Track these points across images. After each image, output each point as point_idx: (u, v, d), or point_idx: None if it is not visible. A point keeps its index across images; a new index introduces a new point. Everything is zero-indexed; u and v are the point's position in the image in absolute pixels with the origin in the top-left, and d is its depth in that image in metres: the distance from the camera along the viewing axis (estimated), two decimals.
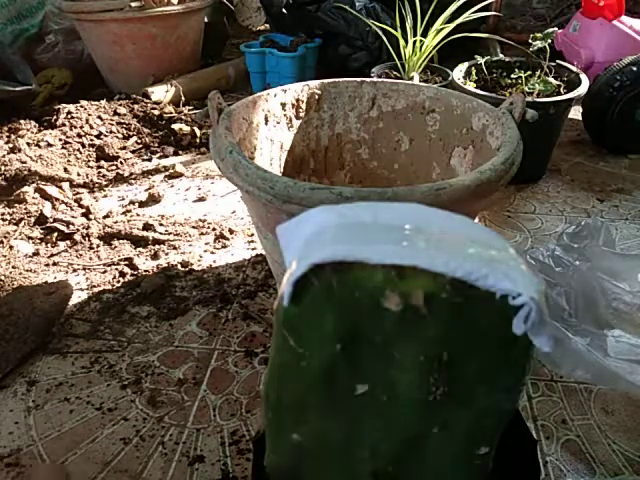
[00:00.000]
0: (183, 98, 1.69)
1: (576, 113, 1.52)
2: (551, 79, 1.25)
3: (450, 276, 0.29)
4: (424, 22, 1.43)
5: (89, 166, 1.38)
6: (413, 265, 0.29)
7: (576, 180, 1.35)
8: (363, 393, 0.34)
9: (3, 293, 0.95)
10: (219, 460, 0.70)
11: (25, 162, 1.29)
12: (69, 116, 1.50)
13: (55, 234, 1.12)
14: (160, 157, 1.45)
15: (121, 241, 1.10)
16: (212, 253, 1.08)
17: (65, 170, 1.32)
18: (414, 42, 1.42)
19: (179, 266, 1.04)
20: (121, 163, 1.40)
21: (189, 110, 1.64)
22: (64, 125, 1.47)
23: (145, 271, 1.02)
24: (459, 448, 0.37)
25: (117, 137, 1.48)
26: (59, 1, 1.73)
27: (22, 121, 1.50)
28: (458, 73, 1.33)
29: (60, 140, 1.42)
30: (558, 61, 1.37)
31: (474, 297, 0.29)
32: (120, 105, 1.61)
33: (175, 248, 1.09)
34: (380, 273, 0.29)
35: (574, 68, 1.34)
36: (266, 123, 0.92)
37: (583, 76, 1.29)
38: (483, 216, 1.20)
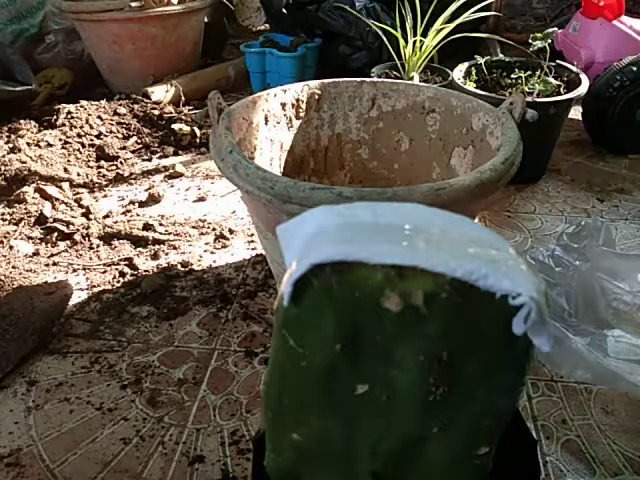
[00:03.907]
0: (183, 98, 1.69)
1: (576, 113, 1.52)
2: (551, 79, 1.25)
3: (450, 276, 0.29)
4: (424, 22, 1.43)
5: (89, 166, 1.38)
6: (413, 265, 0.29)
7: (576, 180, 1.35)
8: (363, 393, 0.34)
9: (3, 293, 0.95)
10: (219, 460, 0.70)
11: (25, 162, 1.29)
12: (69, 116, 1.50)
13: (55, 234, 1.12)
14: (160, 157, 1.45)
15: (121, 241, 1.10)
16: (212, 253, 1.08)
17: (65, 170, 1.32)
18: (414, 42, 1.42)
19: (179, 266, 1.04)
20: (121, 163, 1.40)
21: (189, 110, 1.64)
22: (64, 125, 1.47)
23: (145, 271, 1.02)
24: (459, 448, 0.37)
25: (117, 137, 1.48)
26: (59, 1, 1.73)
27: (22, 121, 1.50)
28: (458, 73, 1.33)
29: (60, 140, 1.42)
30: (558, 61, 1.37)
31: (474, 297, 0.29)
32: (120, 105, 1.61)
33: (175, 248, 1.09)
34: (380, 273, 0.29)
35: (574, 68, 1.34)
36: (266, 123, 0.92)
37: (583, 76, 1.29)
38: (483, 216, 1.20)
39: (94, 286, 0.99)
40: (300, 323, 0.32)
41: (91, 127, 1.48)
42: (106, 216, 1.19)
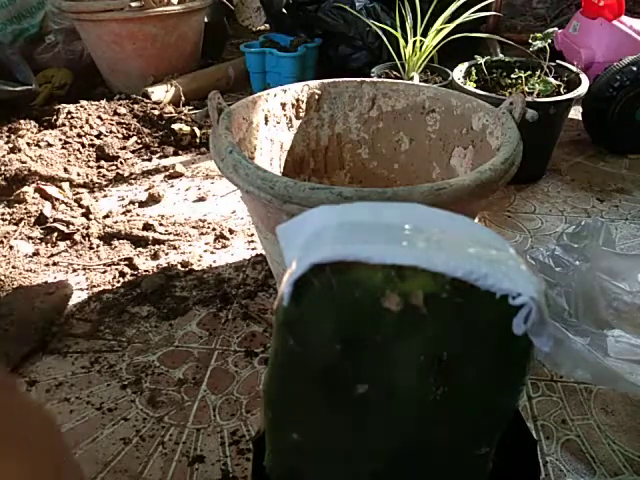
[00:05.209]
0: (183, 98, 1.69)
1: (576, 113, 1.52)
2: (551, 79, 1.25)
3: (450, 276, 0.29)
4: (424, 22, 1.43)
5: (89, 166, 1.38)
6: (413, 265, 0.29)
7: (576, 180, 1.35)
8: (363, 393, 0.34)
9: (3, 293, 0.95)
10: (219, 460, 0.70)
11: (25, 162, 1.29)
12: (69, 116, 1.50)
13: (55, 234, 1.12)
14: (160, 157, 1.45)
15: (121, 241, 1.10)
16: (212, 253, 1.08)
17: (65, 170, 1.32)
18: (414, 42, 1.42)
19: (179, 266, 1.04)
20: (121, 163, 1.40)
21: (189, 110, 1.64)
22: (64, 125, 1.47)
23: (145, 271, 1.02)
24: (459, 448, 0.37)
25: (117, 137, 1.48)
26: (59, 1, 1.73)
27: (22, 121, 1.50)
28: (458, 73, 1.33)
29: (60, 140, 1.42)
30: (558, 61, 1.37)
31: (474, 297, 0.29)
32: (120, 105, 1.61)
33: (175, 248, 1.09)
34: (380, 273, 0.29)
35: (574, 68, 1.34)
36: (266, 123, 0.92)
37: (583, 76, 1.29)
38: (483, 216, 1.20)
39: (94, 286, 0.99)
40: (300, 323, 0.32)
41: (91, 127, 1.48)
42: (106, 216, 1.19)
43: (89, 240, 1.10)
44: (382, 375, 0.33)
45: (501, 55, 1.61)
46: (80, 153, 1.40)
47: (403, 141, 1.00)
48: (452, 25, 1.41)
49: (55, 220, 1.15)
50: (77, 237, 1.11)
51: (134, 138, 1.49)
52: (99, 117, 1.53)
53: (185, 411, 0.77)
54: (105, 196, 1.28)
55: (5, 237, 1.11)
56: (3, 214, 1.18)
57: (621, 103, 1.35)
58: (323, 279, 0.30)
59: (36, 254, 1.07)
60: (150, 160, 1.43)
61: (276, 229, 0.33)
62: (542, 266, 0.88)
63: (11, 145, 1.37)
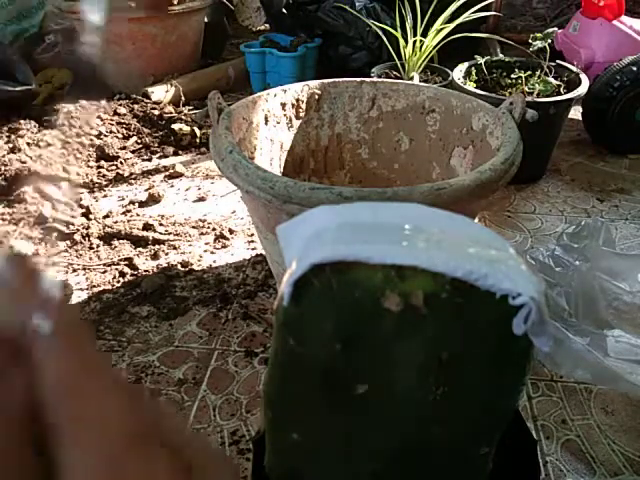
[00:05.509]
0: (183, 98, 1.69)
1: (576, 113, 1.52)
2: (551, 79, 1.25)
3: (450, 276, 0.29)
4: (424, 22, 1.43)
5: (89, 166, 1.38)
6: (413, 265, 0.29)
7: (576, 180, 1.35)
8: (363, 393, 0.34)
9: None
10: None
11: (25, 162, 1.29)
12: (69, 116, 1.50)
13: (55, 234, 1.12)
14: (160, 157, 1.45)
15: (121, 241, 1.10)
16: (212, 253, 1.08)
17: (65, 170, 1.32)
18: (414, 42, 1.42)
19: (179, 266, 1.04)
20: (121, 163, 1.40)
21: (189, 110, 1.64)
22: (64, 125, 1.47)
23: (145, 271, 1.02)
24: (459, 448, 0.37)
25: (117, 137, 1.48)
26: (59, 1, 1.73)
27: (22, 121, 1.50)
28: (458, 73, 1.33)
29: (60, 140, 1.42)
30: (558, 61, 1.37)
31: (474, 297, 0.29)
32: (120, 105, 1.61)
33: (175, 248, 1.09)
34: (380, 273, 0.29)
35: (574, 68, 1.34)
36: (266, 123, 0.92)
37: (583, 76, 1.29)
38: (483, 216, 1.20)
39: (94, 286, 0.99)
40: (300, 323, 0.32)
41: (91, 127, 1.48)
42: (106, 216, 1.19)
43: (89, 240, 1.10)
44: (382, 375, 0.33)
45: (501, 55, 1.61)
46: (80, 153, 1.40)
47: (403, 141, 1.00)
48: (452, 25, 1.41)
49: (55, 220, 1.15)
50: (77, 237, 1.11)
51: (134, 138, 1.49)
52: (99, 117, 1.53)
53: (185, 411, 0.77)
54: (105, 196, 1.28)
55: (5, 237, 1.11)
56: (3, 214, 1.18)
57: (621, 103, 1.35)
58: (323, 279, 0.30)
59: (36, 254, 1.07)
60: (150, 160, 1.43)
61: (276, 229, 0.33)
62: (542, 266, 0.88)
63: (11, 145, 1.37)
